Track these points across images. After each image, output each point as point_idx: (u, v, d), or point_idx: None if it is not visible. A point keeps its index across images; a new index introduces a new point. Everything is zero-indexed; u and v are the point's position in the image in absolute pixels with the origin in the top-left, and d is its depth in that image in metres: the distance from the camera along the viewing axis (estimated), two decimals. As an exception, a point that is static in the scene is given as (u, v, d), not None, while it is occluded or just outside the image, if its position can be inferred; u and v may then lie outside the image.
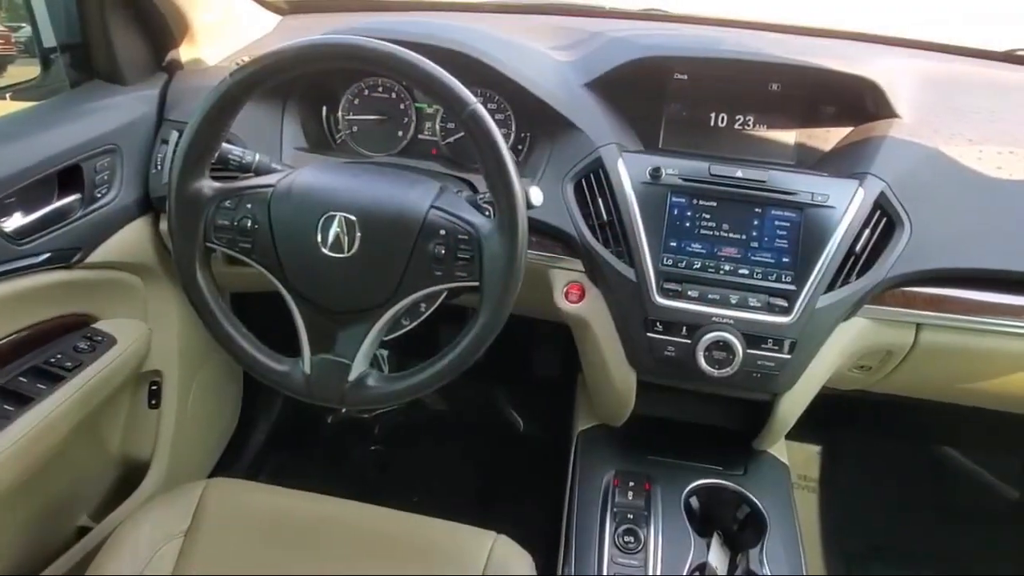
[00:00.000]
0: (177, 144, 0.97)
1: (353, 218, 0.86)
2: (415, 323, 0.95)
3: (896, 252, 0.98)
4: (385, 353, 1.80)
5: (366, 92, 1.23)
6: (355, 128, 1.23)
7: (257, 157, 0.98)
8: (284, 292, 0.90)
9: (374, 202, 0.87)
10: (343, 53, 0.81)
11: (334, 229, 0.86)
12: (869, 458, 1.75)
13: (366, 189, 0.89)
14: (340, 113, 1.23)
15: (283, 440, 1.76)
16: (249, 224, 0.88)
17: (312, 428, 1.79)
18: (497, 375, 1.88)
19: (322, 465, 1.77)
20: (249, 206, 0.88)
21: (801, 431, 1.13)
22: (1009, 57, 1.37)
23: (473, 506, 1.67)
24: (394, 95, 1.22)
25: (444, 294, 0.91)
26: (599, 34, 1.22)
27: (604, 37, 1.20)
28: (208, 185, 0.88)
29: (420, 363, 0.89)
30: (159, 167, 1.16)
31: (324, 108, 1.24)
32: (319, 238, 0.86)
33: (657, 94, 1.15)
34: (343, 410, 1.79)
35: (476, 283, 0.85)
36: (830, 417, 1.21)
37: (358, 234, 0.86)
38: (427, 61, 0.80)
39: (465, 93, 0.81)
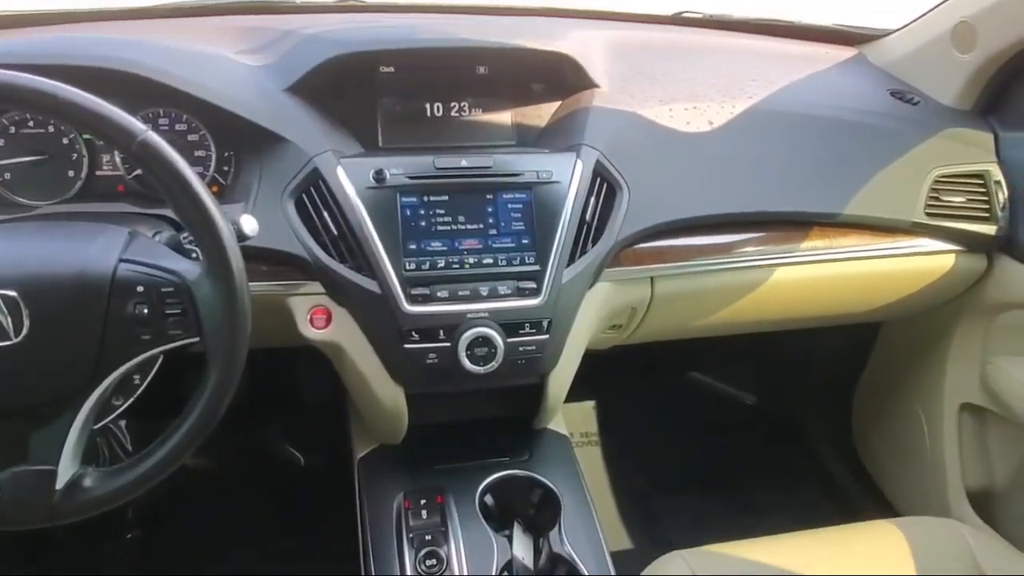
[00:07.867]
0: None
1: (13, 294, 0.69)
2: (131, 399, 0.81)
3: (621, 215, 1.03)
4: (123, 423, 1.55)
5: (12, 129, 1.00)
6: (8, 175, 1.00)
7: None
8: None
9: (40, 269, 0.71)
10: None
11: None
12: (633, 399, 1.90)
13: (27, 254, 0.72)
14: None
15: (6, 558, 1.44)
16: None
17: (43, 531, 1.48)
18: (263, 412, 1.72)
19: (66, 574, 1.48)
20: None
21: (575, 392, 1.16)
22: (677, 20, 1.52)
23: (253, 567, 1.51)
24: (51, 128, 1.01)
25: (160, 359, 0.77)
26: (291, 32, 1.11)
27: (297, 35, 1.10)
28: None
29: (171, 422, 0.75)
30: None
31: None
32: None
33: (367, 91, 1.08)
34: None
35: (196, 338, 0.74)
36: (596, 372, 1.27)
37: (25, 312, 0.69)
38: (66, 88, 0.66)
39: (128, 121, 0.68)
